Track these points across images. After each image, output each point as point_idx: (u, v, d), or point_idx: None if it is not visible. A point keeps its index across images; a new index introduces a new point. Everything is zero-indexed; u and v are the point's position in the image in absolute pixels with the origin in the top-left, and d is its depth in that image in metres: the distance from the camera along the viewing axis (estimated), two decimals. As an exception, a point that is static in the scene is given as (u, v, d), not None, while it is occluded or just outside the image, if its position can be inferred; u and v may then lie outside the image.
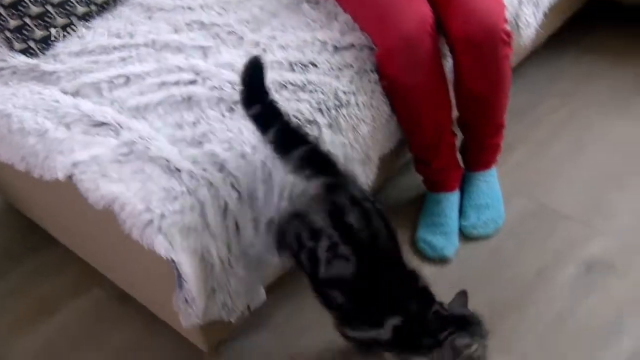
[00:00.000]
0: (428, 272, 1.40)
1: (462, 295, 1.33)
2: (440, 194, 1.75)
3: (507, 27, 1.53)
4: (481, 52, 1.52)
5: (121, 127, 1.38)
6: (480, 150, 1.76)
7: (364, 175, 1.57)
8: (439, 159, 1.71)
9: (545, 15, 1.91)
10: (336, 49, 1.54)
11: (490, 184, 1.77)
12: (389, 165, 1.76)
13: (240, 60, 1.52)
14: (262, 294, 1.47)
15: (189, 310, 1.32)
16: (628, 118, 1.98)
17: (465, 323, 1.28)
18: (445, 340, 1.25)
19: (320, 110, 1.44)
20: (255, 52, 1.54)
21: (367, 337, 1.33)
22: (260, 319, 1.59)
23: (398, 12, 1.49)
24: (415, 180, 1.82)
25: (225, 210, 1.31)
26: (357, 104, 1.49)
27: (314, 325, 1.58)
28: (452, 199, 1.75)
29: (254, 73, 1.27)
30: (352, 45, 1.54)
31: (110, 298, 1.69)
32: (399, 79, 1.51)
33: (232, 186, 1.32)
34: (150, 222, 1.23)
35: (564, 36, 2.20)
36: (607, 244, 1.61)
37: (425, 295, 1.31)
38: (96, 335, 1.64)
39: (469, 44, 1.51)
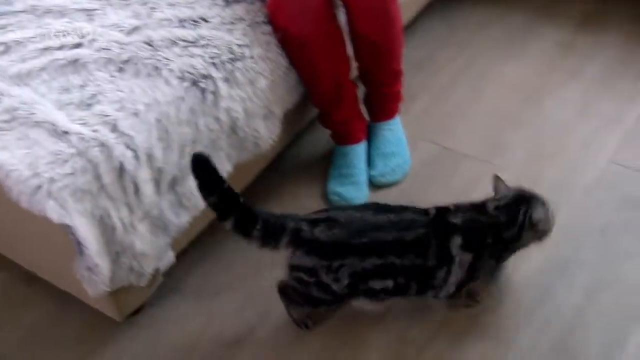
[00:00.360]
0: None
1: (497, 179, 1.36)
2: (347, 146, 1.73)
3: None
4: None
5: (1, 94, 1.28)
6: (382, 99, 1.75)
7: (267, 130, 1.53)
8: (341, 111, 1.68)
9: None
10: (227, 2, 1.49)
11: (394, 132, 1.76)
12: (296, 121, 1.73)
13: (130, 21, 1.45)
14: (170, 255, 1.41)
15: (94, 277, 1.25)
16: (519, 61, 2.02)
17: (526, 198, 1.31)
18: (524, 221, 1.29)
19: (214, 64, 1.39)
20: (142, 11, 1.46)
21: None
22: (175, 283, 1.53)
23: (284, -40, 1.45)
24: (324, 135, 1.79)
25: (121, 170, 1.24)
26: (253, 57, 1.44)
27: (228, 287, 1.54)
28: (358, 150, 1.73)
29: (201, 168, 1.23)
30: (242, -2, 1.49)
31: (16, 281, 1.59)
32: (291, 28, 1.47)
33: (127, 146, 1.25)
34: (39, 187, 1.15)
35: None
36: (506, 177, 1.63)
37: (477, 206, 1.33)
38: (5, 317, 1.54)
39: None
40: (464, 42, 2.11)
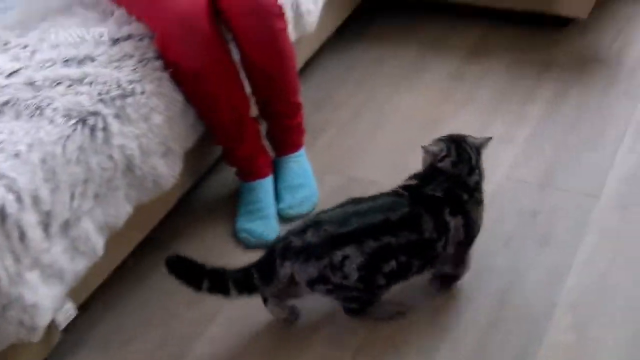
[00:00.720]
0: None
1: (424, 148, 1.40)
2: (253, 181, 1.67)
3: (276, 1, 1.51)
4: (254, 22, 1.48)
5: None
6: (284, 131, 1.71)
7: (167, 167, 1.45)
8: (244, 146, 1.63)
9: (328, 5, 1.95)
10: (114, 41, 1.42)
11: (300, 164, 1.72)
12: (200, 160, 1.67)
13: (9, 65, 1.36)
14: (69, 307, 1.28)
15: (-24, 335, 1.11)
16: (415, 92, 2.05)
17: (458, 139, 1.40)
18: (478, 158, 1.37)
19: (102, 101, 1.31)
20: (23, 54, 1.37)
21: None
22: (79, 335, 1.39)
23: (169, -6, 1.41)
24: (229, 174, 1.73)
25: (2, 215, 1.12)
26: (144, 92, 1.37)
27: (139, 334, 1.42)
28: (265, 185, 1.67)
29: (177, 268, 1.26)
30: (131, 36, 1.43)
31: None
32: (182, 63, 1.42)
33: (8, 188, 1.13)
34: None
35: (352, 29, 2.27)
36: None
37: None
38: None
39: (240, 15, 1.47)
40: (361, 78, 2.13)
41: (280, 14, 1.50)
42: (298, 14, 1.78)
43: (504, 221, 1.59)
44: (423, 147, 1.40)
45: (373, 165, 1.81)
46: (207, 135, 1.60)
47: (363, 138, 1.91)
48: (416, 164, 1.77)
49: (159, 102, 1.40)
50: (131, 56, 1.40)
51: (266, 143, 1.72)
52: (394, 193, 1.35)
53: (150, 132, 1.38)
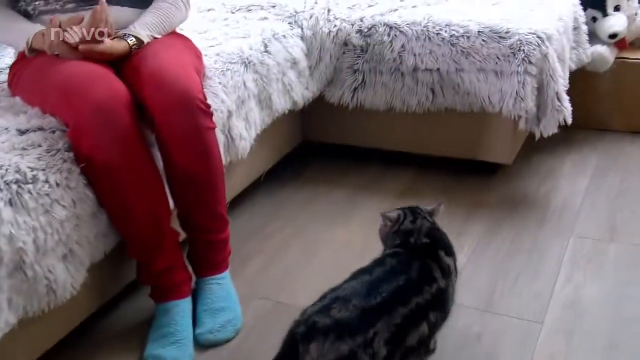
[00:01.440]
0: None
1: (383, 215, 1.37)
2: (168, 302, 1.43)
3: (204, 99, 1.41)
4: (180, 118, 1.35)
5: None
6: (208, 248, 1.50)
7: (67, 273, 1.22)
8: (161, 259, 1.41)
9: (263, 143, 1.90)
10: (22, 132, 1.27)
11: (223, 286, 1.50)
12: (112, 279, 1.43)
13: None
14: None
15: None
16: (348, 226, 1.93)
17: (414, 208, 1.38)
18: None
19: (-6, 183, 1.11)
20: None
21: None
22: None
23: (87, 84, 1.29)
24: (144, 302, 1.49)
25: None
26: (48, 182, 1.19)
27: None
28: (183, 306, 1.43)
29: None
30: (41, 128, 1.28)
31: None
32: (96, 157, 1.26)
33: None
34: None
35: (286, 170, 2.20)
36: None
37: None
38: None
39: (165, 110, 1.35)
40: (292, 214, 2.00)
41: (207, 112, 1.40)
42: (230, 138, 1.70)
43: (448, 344, 1.39)
44: (382, 214, 1.36)
45: (303, 290, 1.61)
46: (122, 249, 1.40)
47: (293, 265, 1.74)
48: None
49: (64, 195, 1.21)
50: (39, 145, 1.24)
51: (186, 261, 1.51)
52: (393, 254, 1.28)
53: (49, 227, 1.17)
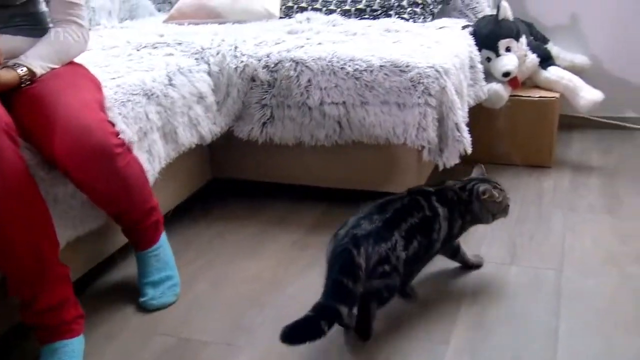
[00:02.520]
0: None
1: (479, 167, 1.69)
2: (56, 342, 1.30)
3: (115, 134, 1.38)
4: (97, 173, 1.34)
5: None
6: (140, 233, 1.57)
7: None
8: (46, 296, 1.28)
9: (171, 181, 1.83)
10: None
11: (160, 256, 1.60)
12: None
13: None
14: None
15: None
16: (259, 259, 1.87)
17: (485, 179, 1.63)
18: (471, 193, 1.58)
19: None
20: None
21: None
22: None
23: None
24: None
25: None
26: None
27: None
28: (72, 346, 1.31)
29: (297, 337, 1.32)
30: None
31: None
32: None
33: None
34: None
35: (196, 207, 2.14)
36: (251, 355, 1.34)
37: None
38: None
39: (82, 170, 1.32)
40: (201, 250, 1.92)
41: (122, 147, 1.38)
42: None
43: None
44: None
45: (208, 324, 1.53)
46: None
47: (199, 299, 1.65)
48: (257, 322, 1.54)
49: None
50: None
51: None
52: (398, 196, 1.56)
53: None
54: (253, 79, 2.06)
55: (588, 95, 2.36)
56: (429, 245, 1.51)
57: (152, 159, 1.72)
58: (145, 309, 1.56)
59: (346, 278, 1.33)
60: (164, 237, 1.64)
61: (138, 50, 2.06)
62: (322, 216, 2.13)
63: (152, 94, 1.75)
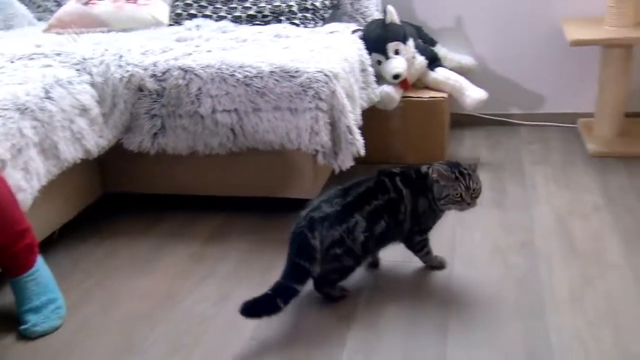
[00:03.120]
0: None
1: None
2: None
3: None
4: None
5: None
6: (11, 259, 1.48)
7: None
8: None
9: (55, 199, 1.75)
10: None
11: (38, 279, 1.51)
12: None
13: None
14: None
15: None
16: (153, 274, 1.81)
17: (454, 163, 1.62)
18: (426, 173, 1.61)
19: None
20: None
21: None
22: None
23: None
24: None
25: None
26: None
27: None
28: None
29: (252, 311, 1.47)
30: None
31: None
32: None
33: None
34: None
35: (86, 225, 2.05)
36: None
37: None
38: None
39: None
40: (91, 269, 1.84)
41: None
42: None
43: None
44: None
45: (96, 348, 1.45)
46: None
47: (88, 321, 1.57)
48: (150, 339, 1.48)
49: None
50: None
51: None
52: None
53: None
54: (140, 89, 1.99)
55: (473, 94, 2.46)
56: (397, 224, 1.60)
57: (29, 177, 1.62)
58: (27, 337, 1.47)
59: (302, 260, 1.48)
60: (40, 260, 1.56)
61: (12, 62, 1.94)
62: (221, 226, 2.09)
63: (26, 109, 1.65)
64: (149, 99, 2.00)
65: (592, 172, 2.29)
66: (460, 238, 1.91)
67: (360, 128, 2.06)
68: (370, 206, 1.55)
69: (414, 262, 1.78)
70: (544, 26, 2.69)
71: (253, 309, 1.44)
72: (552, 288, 1.62)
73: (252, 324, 1.54)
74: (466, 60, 2.79)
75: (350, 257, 1.54)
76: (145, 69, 1.99)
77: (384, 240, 1.62)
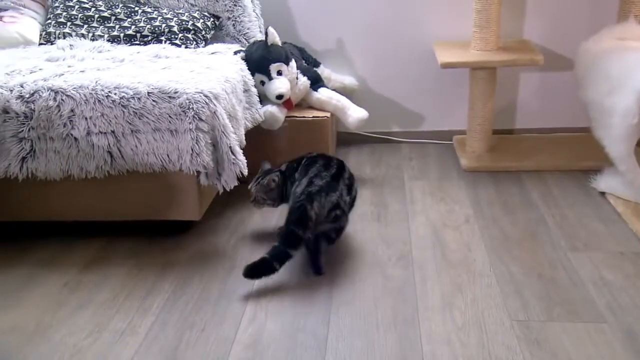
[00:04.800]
0: None
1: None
2: None
3: None
4: None
5: None
6: None
7: None
8: None
9: None
10: None
11: None
12: None
13: None
14: None
15: None
16: (22, 306, 1.70)
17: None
18: None
19: None
20: None
21: None
22: None
23: None
24: None
25: None
26: None
27: None
28: None
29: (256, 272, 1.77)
30: None
31: None
32: None
33: None
34: None
35: None
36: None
37: None
38: None
39: None
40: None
41: None
42: None
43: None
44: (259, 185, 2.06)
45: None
46: None
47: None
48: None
49: None
50: None
51: None
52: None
53: None
54: (6, 111, 1.89)
55: (355, 114, 2.56)
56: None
57: None
58: None
59: (298, 228, 1.74)
60: None
61: None
62: (99, 252, 2.01)
63: None
64: (16, 121, 1.90)
65: (464, 186, 2.45)
66: (342, 252, 1.97)
67: (243, 148, 2.08)
68: (345, 175, 1.93)
69: (295, 276, 1.81)
70: (420, 48, 2.86)
71: (253, 271, 1.73)
72: (426, 296, 1.71)
73: (129, 353, 1.49)
74: (349, 80, 2.90)
75: (344, 217, 1.89)
76: (10, 90, 1.89)
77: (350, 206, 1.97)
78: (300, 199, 1.79)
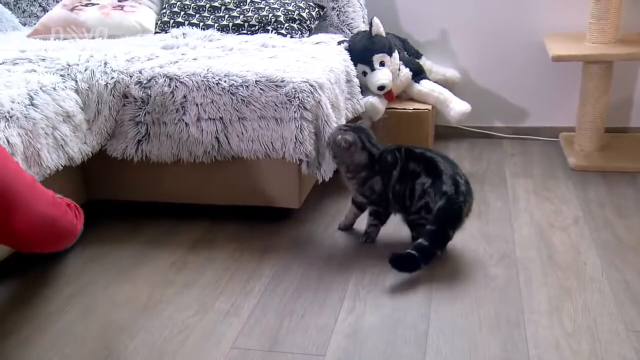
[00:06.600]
0: None
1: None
2: None
3: None
4: None
5: None
6: None
7: None
8: None
9: None
10: None
11: None
12: None
13: None
14: None
15: None
16: (134, 282, 1.80)
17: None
18: None
19: None
20: None
21: None
22: None
23: None
24: None
25: None
26: None
27: None
28: None
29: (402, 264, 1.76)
30: None
31: None
32: None
33: None
34: None
35: None
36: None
37: None
38: None
39: None
40: (71, 276, 1.83)
41: None
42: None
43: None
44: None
45: (75, 358, 1.44)
46: None
47: (68, 330, 1.56)
48: (130, 349, 1.48)
49: None
50: None
51: None
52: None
53: None
54: (125, 96, 2.00)
55: (457, 107, 2.50)
56: None
57: (11, 183, 1.61)
58: None
59: (451, 229, 1.75)
60: None
61: (-4, 66, 1.93)
62: (203, 235, 2.09)
63: (11, 117, 1.64)
64: (134, 105, 2.00)
65: (572, 185, 2.33)
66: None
67: (344, 139, 2.08)
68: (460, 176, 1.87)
69: (391, 271, 1.80)
70: (528, 40, 2.74)
71: (398, 262, 1.72)
72: (531, 298, 1.64)
73: (233, 333, 1.54)
74: (451, 73, 2.83)
75: None
76: (130, 76, 1.99)
77: None
78: (459, 200, 1.76)
